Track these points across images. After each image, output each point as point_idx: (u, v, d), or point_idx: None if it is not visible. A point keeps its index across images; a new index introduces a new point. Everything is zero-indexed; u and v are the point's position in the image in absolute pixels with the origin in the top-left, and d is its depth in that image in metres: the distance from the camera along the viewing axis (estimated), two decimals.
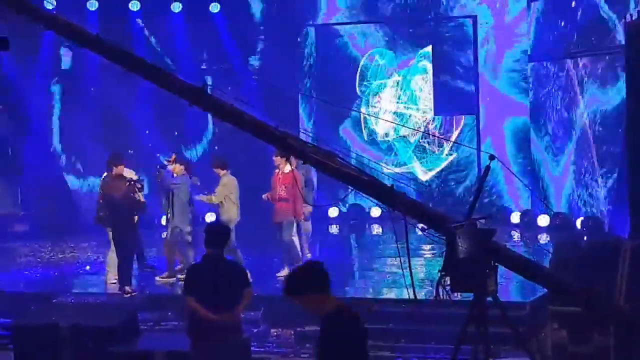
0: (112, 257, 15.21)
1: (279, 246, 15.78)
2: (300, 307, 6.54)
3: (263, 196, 15.78)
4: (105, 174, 15.58)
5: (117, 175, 15.07)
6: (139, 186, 14.97)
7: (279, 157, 15.22)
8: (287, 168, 15.09)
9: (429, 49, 22.64)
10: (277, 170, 15.48)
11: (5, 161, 21.75)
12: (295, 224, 15.55)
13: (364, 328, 6.71)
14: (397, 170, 22.28)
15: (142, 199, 15.17)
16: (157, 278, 15.57)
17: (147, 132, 22.87)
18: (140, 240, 15.94)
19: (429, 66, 22.69)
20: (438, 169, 22.74)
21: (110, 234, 15.26)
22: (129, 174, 15.85)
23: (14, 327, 11.87)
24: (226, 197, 15.26)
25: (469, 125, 22.44)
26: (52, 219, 21.07)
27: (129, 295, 14.42)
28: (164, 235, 16.10)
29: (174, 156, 15.51)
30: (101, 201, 15.39)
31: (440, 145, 22.81)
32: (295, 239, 15.59)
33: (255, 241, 17.63)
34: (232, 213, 15.23)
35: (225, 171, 15.41)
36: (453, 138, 22.22)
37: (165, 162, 15.55)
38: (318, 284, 6.76)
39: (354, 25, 23.07)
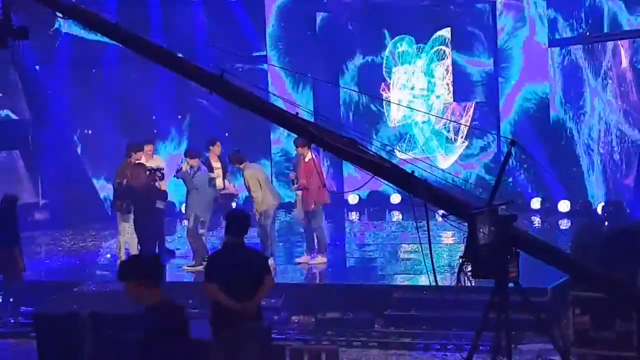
0: (121, 241, 15.31)
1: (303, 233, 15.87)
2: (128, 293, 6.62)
3: (290, 174, 15.86)
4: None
5: (137, 164, 15.13)
6: (159, 175, 15.01)
7: (300, 147, 15.18)
8: (309, 157, 15.11)
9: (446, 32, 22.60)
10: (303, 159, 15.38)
11: (25, 150, 21.80)
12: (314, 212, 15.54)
13: (185, 320, 6.89)
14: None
15: (163, 188, 15.22)
16: (185, 267, 15.59)
17: (154, 117, 22.96)
18: (163, 228, 15.97)
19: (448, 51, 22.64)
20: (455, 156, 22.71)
21: (121, 220, 15.32)
22: (156, 162, 15.97)
23: (35, 315, 11.91)
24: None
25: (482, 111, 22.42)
26: (72, 207, 21.12)
27: None
28: (185, 223, 16.15)
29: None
30: (117, 187, 15.44)
31: (456, 132, 22.78)
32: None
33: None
34: (267, 200, 15.22)
35: (244, 163, 15.37)
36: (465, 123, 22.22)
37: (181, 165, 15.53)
38: (147, 274, 6.85)
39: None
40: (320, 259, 15.67)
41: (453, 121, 22.34)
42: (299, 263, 15.70)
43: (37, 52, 21.39)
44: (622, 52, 19.70)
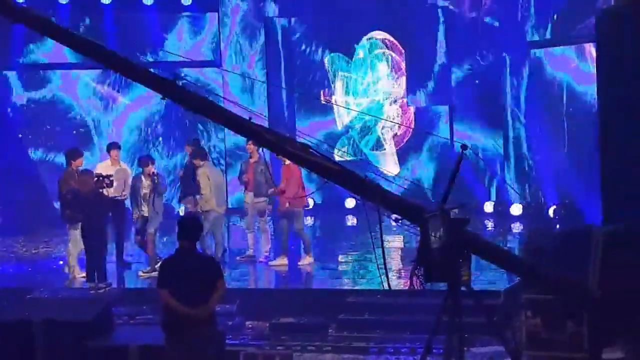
0: (72, 250, 15.22)
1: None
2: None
3: (270, 191, 16.05)
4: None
5: (84, 170, 15.10)
6: (107, 182, 14.89)
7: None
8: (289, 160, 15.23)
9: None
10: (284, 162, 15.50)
11: None
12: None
13: None
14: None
15: (110, 195, 15.14)
16: (140, 273, 15.58)
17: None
18: (118, 234, 15.91)
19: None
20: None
21: (72, 228, 15.19)
22: (123, 168, 15.93)
23: None
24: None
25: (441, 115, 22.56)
26: (24, 213, 20.95)
27: (101, 290, 14.40)
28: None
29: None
30: (62, 197, 15.28)
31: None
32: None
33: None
34: (211, 202, 15.25)
35: (204, 162, 15.46)
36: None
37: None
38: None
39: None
40: (308, 260, 15.82)
41: (398, 123, 22.50)
42: (275, 265, 15.80)
43: None
44: None
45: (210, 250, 15.22)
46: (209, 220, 15.10)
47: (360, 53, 23.05)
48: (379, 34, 22.92)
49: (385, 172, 21.27)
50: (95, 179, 14.77)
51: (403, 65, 22.79)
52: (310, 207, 22.72)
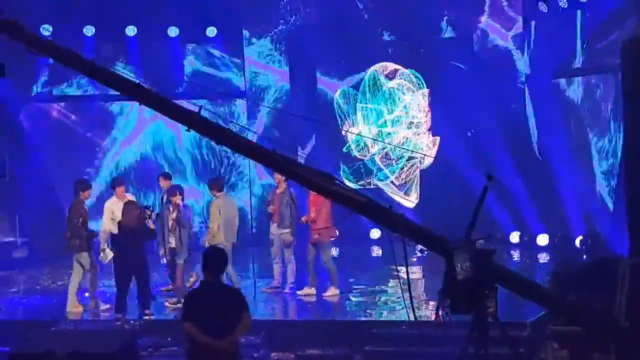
0: (75, 280, 15.34)
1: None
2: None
3: (302, 218, 16.11)
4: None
5: (129, 202, 15.14)
6: (149, 213, 15.00)
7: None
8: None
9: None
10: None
11: (2, 187, 21.71)
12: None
13: None
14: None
15: (152, 226, 15.16)
16: (167, 304, 15.59)
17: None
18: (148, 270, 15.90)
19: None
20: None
21: (80, 257, 15.21)
22: (114, 205, 15.91)
23: (11, 355, 11.79)
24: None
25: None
26: (50, 245, 21.00)
27: (119, 322, 14.45)
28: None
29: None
30: (73, 226, 15.30)
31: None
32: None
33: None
34: (219, 237, 15.25)
35: (220, 193, 15.52)
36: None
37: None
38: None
39: None
40: (334, 291, 15.80)
41: (419, 153, 22.44)
42: (302, 295, 15.84)
43: (14, 87, 21.43)
44: None
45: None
46: None
47: (372, 83, 23.05)
48: (391, 65, 22.93)
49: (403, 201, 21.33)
50: (139, 210, 14.85)
51: (425, 97, 22.79)
52: (336, 237, 22.71)
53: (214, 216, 15.33)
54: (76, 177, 19.06)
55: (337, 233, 16.08)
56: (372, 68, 22.88)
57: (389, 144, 22.66)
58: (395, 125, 23.05)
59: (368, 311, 15.12)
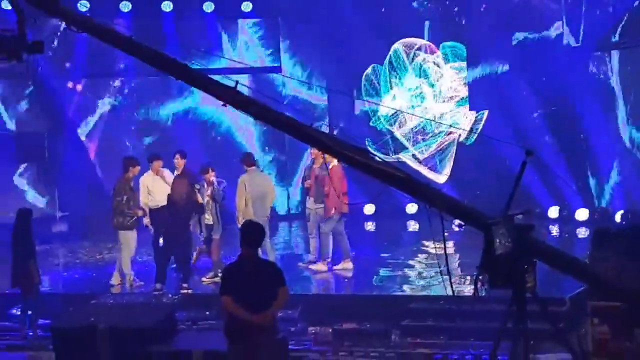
0: (125, 255, 15.42)
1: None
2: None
3: (305, 183, 16.27)
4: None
5: (180, 174, 15.17)
6: (198, 187, 15.11)
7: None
8: (332, 164, 15.28)
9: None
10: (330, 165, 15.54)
11: (42, 163, 21.89)
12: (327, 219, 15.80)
13: None
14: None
15: (201, 200, 15.22)
16: (203, 279, 15.63)
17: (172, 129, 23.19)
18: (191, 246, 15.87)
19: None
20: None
21: (124, 235, 15.30)
22: (165, 176, 15.91)
23: (53, 328, 11.92)
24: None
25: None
26: (90, 219, 21.19)
27: (158, 292, 14.56)
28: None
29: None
30: (117, 204, 15.35)
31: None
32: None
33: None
34: (247, 213, 15.28)
35: (250, 168, 15.51)
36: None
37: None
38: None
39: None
40: (320, 266, 15.81)
41: (458, 127, 22.28)
42: (338, 269, 15.94)
43: (54, 63, 21.54)
44: None
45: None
46: None
47: (398, 58, 22.95)
48: (419, 40, 22.86)
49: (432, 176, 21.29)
50: (189, 183, 14.93)
51: (462, 71, 22.68)
52: (372, 212, 22.73)
53: (240, 192, 15.31)
54: (114, 154, 19.18)
55: (347, 210, 15.95)
56: (397, 44, 22.80)
57: (428, 118, 22.56)
58: (427, 101, 22.96)
59: (405, 286, 15.11)
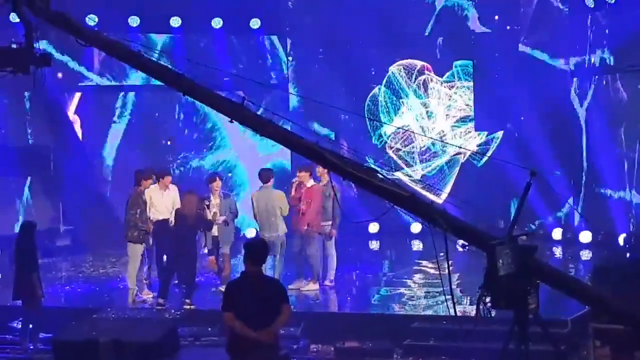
0: (132, 272, 15.39)
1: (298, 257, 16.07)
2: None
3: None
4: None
5: (190, 191, 15.21)
6: (207, 203, 15.11)
7: (302, 173, 15.52)
8: (310, 183, 15.41)
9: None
10: (301, 184, 15.77)
11: (46, 176, 21.93)
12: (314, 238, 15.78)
13: None
14: None
15: (210, 217, 15.21)
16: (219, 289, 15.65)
17: (168, 142, 23.18)
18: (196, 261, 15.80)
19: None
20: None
21: (129, 250, 15.32)
22: (173, 192, 15.91)
23: (55, 341, 11.91)
24: None
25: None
26: (93, 233, 21.21)
27: (161, 306, 14.56)
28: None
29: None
30: (130, 218, 15.38)
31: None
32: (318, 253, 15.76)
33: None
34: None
35: (264, 184, 15.59)
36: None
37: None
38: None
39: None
40: (312, 286, 15.78)
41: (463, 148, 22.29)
42: (291, 289, 15.76)
43: (60, 77, 21.61)
44: None
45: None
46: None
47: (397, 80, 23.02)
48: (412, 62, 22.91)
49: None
50: (198, 199, 14.95)
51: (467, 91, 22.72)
52: (377, 231, 22.72)
53: (255, 207, 15.44)
54: (120, 168, 19.17)
55: (335, 233, 15.90)
56: (395, 66, 22.88)
57: (431, 138, 22.58)
58: (431, 120, 23.00)
59: (408, 305, 15.10)
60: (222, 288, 15.35)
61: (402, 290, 16.35)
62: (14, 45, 8.85)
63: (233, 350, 9.09)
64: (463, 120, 22.85)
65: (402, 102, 23.08)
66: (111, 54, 8.72)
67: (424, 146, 23.07)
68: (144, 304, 15.33)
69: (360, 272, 17.89)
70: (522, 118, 22.01)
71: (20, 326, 14.27)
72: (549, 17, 21.55)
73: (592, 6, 20.40)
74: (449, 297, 7.97)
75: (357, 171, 8.06)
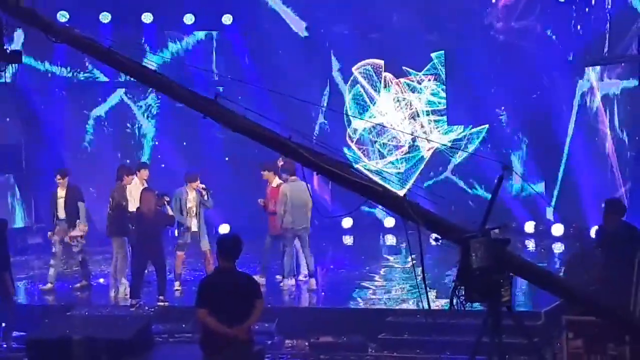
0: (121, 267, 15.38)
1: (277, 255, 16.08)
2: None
3: (259, 201, 16.10)
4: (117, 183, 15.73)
5: (146, 188, 15.24)
6: (167, 199, 15.10)
7: (266, 172, 15.54)
8: (276, 182, 15.37)
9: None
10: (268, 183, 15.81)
11: (19, 174, 21.80)
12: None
13: None
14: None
15: (171, 213, 15.21)
16: None
17: (156, 142, 23.08)
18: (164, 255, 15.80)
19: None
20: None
21: (117, 244, 15.33)
22: (135, 188, 15.92)
23: (28, 340, 11.86)
24: None
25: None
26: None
27: (134, 307, 14.51)
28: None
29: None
30: (111, 212, 15.48)
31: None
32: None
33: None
34: (286, 220, 15.43)
35: (291, 177, 15.51)
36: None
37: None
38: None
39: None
40: (289, 282, 15.74)
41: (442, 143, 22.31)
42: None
43: (31, 73, 21.48)
44: None
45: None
46: (286, 238, 15.41)
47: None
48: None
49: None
50: (156, 196, 14.93)
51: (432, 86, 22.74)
52: (350, 226, 22.72)
53: (281, 200, 15.32)
54: (93, 165, 19.14)
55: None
56: (357, 67, 22.92)
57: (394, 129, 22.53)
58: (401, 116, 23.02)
59: (382, 299, 15.14)
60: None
61: (376, 284, 16.39)
62: None
63: (207, 346, 9.09)
64: (433, 115, 22.86)
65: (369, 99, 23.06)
66: (82, 50, 8.67)
67: (388, 138, 23.05)
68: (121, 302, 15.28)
69: (335, 267, 17.90)
70: (498, 110, 22.05)
71: None
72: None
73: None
74: (422, 290, 7.98)
75: (330, 165, 8.06)
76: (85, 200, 16.60)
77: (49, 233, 16.82)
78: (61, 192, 16.49)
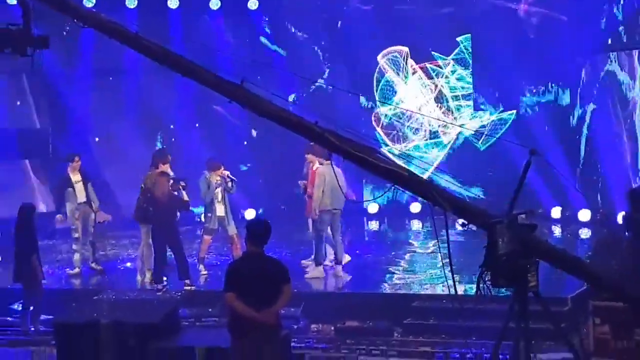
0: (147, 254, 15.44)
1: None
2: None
3: (300, 182, 16.08)
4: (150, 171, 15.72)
5: (161, 172, 15.18)
6: (183, 184, 15.10)
7: (310, 155, 15.44)
8: (316, 166, 15.32)
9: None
10: (311, 166, 15.71)
11: (46, 159, 21.90)
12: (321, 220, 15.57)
13: None
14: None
15: (186, 198, 15.24)
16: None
17: (172, 126, 23.14)
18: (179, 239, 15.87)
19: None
20: None
21: (144, 230, 15.39)
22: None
23: (55, 323, 11.92)
24: None
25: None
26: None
27: (160, 292, 14.57)
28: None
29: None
30: (142, 197, 15.52)
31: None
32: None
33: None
34: (323, 202, 15.35)
35: (327, 162, 15.39)
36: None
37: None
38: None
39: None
40: (317, 268, 15.70)
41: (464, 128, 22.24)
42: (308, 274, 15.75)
43: (58, 59, 21.52)
44: None
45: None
46: (323, 221, 15.37)
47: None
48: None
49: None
50: (171, 181, 14.95)
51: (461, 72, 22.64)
52: (376, 211, 22.71)
53: (319, 182, 15.24)
54: (119, 153, 19.21)
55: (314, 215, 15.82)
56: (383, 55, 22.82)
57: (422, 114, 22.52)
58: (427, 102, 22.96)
59: (408, 284, 15.13)
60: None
61: (402, 269, 16.39)
62: (11, 27, 8.81)
63: (234, 330, 9.12)
64: (460, 100, 22.78)
65: (397, 84, 23.01)
66: (109, 35, 8.68)
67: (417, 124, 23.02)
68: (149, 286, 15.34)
69: (360, 252, 17.89)
70: (522, 97, 21.99)
71: (20, 308, 14.31)
72: None
73: None
74: (449, 275, 7.98)
75: (357, 150, 8.06)
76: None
77: (59, 216, 16.78)
78: (76, 177, 16.53)
